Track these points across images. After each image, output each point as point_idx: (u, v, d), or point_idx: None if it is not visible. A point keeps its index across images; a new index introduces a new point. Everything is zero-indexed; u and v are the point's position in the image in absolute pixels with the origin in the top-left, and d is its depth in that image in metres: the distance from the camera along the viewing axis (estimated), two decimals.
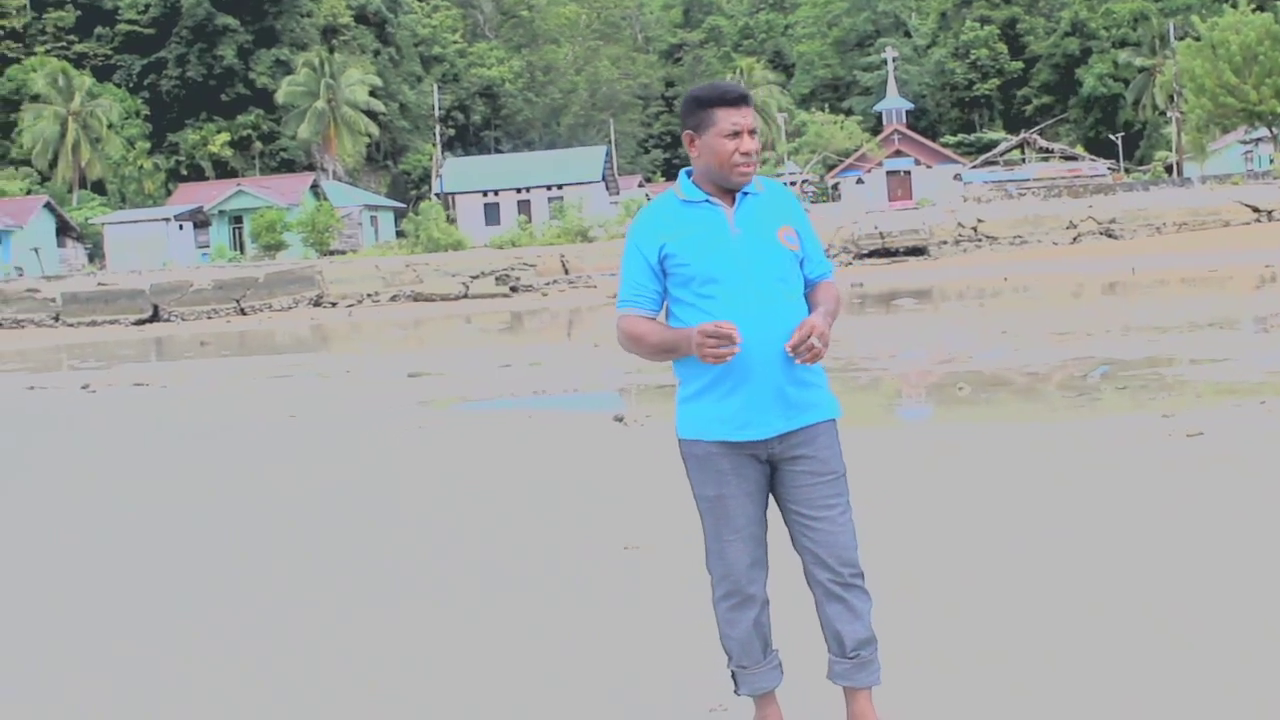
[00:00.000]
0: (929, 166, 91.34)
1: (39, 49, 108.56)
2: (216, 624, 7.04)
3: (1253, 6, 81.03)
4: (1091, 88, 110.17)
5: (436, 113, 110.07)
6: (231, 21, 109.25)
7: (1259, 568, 6.89)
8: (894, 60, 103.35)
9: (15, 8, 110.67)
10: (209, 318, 59.54)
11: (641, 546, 8.24)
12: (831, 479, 4.73)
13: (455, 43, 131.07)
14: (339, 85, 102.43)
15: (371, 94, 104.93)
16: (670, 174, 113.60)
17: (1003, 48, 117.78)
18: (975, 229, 65.56)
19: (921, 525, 8.49)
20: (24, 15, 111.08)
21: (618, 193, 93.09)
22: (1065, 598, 6.55)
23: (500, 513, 9.91)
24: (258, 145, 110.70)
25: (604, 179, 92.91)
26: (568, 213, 78.90)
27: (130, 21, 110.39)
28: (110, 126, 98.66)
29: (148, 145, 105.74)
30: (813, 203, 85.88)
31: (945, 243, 64.52)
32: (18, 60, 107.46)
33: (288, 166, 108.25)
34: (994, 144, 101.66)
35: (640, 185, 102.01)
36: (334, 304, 60.78)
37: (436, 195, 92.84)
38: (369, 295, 61.53)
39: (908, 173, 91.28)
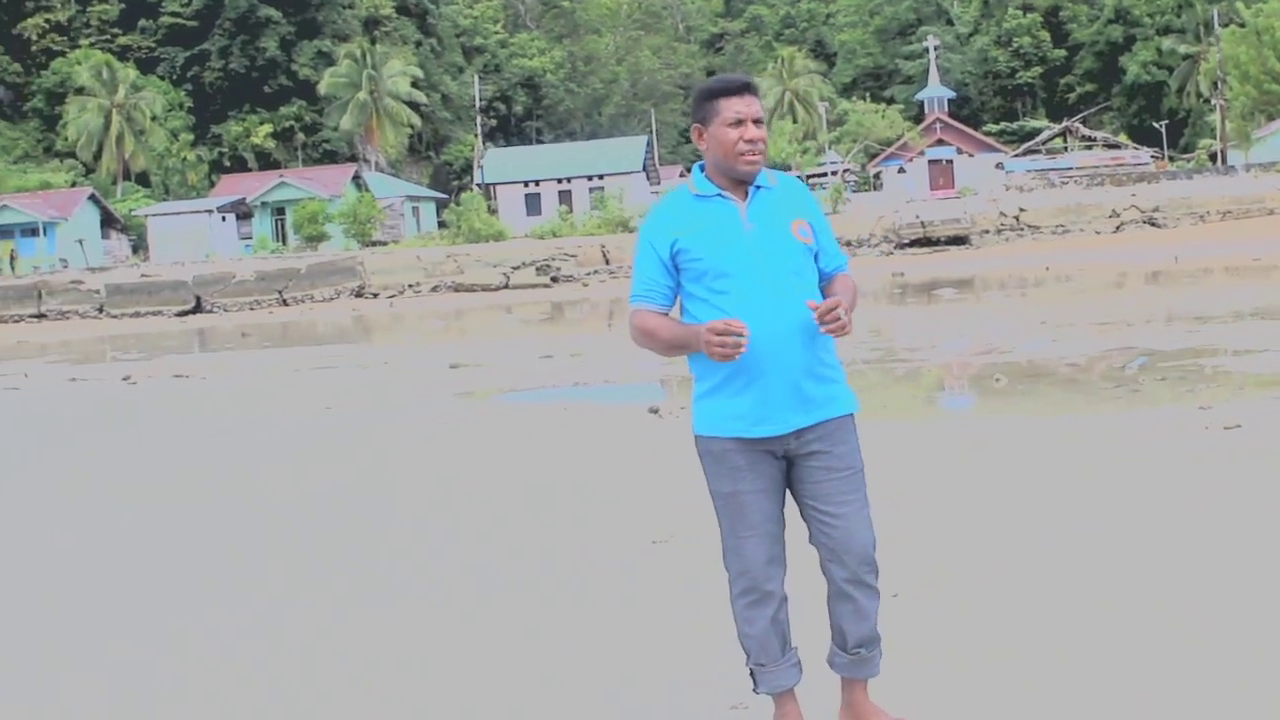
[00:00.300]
0: (971, 155, 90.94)
1: (83, 42, 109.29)
2: (212, 625, 7.03)
3: None
4: (1135, 75, 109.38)
5: (478, 103, 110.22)
6: (274, 13, 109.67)
7: (1277, 563, 6.85)
8: (935, 48, 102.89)
9: (60, 1, 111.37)
10: (251, 309, 59.72)
11: (670, 540, 8.24)
12: (849, 474, 4.73)
13: (496, 33, 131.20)
14: (381, 76, 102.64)
15: (413, 85, 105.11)
16: None
17: (1045, 35, 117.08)
18: (1017, 218, 65.15)
19: (946, 520, 8.46)
20: (68, 8, 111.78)
21: (659, 183, 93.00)
22: (1079, 594, 6.52)
23: (527, 507, 9.91)
24: (300, 137, 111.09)
25: (645, 169, 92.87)
26: (608, 203, 78.88)
27: (173, 14, 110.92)
28: (154, 119, 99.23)
29: (191, 137, 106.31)
30: (854, 192, 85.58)
31: (987, 232, 64.13)
32: (63, 53, 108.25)
33: (330, 158, 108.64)
34: (1036, 132, 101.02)
35: (681, 175, 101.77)
36: (375, 295, 60.90)
37: (478, 186, 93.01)
38: (410, 286, 61.61)
39: (949, 161, 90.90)
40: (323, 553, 8.75)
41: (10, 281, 68.50)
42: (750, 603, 4.73)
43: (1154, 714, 4.94)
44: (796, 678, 4.84)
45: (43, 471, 13.80)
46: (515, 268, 61.87)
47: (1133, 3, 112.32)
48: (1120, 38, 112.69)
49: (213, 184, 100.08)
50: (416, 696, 5.74)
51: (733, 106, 4.68)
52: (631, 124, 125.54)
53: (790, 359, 4.58)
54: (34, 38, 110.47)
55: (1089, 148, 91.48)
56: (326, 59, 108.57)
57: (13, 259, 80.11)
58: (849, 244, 64.11)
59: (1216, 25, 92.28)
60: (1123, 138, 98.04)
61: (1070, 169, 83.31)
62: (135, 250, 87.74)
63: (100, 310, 61.58)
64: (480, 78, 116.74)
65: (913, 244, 63.46)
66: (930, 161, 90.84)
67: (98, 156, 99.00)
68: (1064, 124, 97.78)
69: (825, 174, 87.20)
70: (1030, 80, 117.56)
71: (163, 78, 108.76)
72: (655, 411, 15.12)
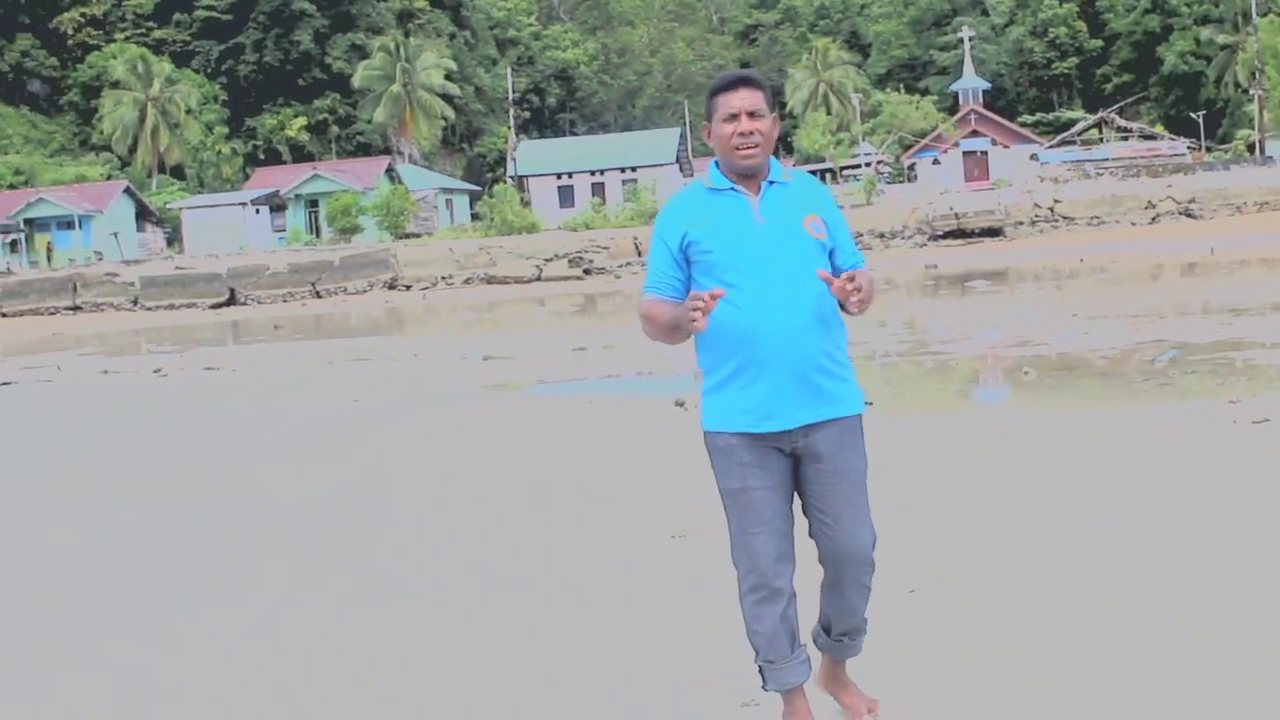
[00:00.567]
0: (1006, 146, 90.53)
1: (119, 35, 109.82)
2: (213, 624, 7.02)
3: None
4: (1172, 65, 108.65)
5: (510, 96, 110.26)
6: (308, 6, 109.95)
7: None
8: (970, 39, 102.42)
9: None
10: (284, 301, 59.87)
11: (687, 535, 8.20)
12: (853, 478, 4.79)
13: (530, 25, 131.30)
14: (414, 69, 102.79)
15: (447, 77, 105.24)
16: None
17: (1082, 26, 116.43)
18: (1052, 209, 64.79)
19: (959, 515, 8.41)
20: (104, 2, 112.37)
21: (692, 174, 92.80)
22: (1087, 591, 6.49)
23: (538, 502, 9.89)
24: (334, 129, 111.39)
25: (678, 161, 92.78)
26: (641, 195, 78.81)
27: (208, 7, 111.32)
28: (189, 112, 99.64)
29: (225, 130, 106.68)
30: (888, 183, 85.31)
31: (1021, 223, 63.80)
32: (98, 47, 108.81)
33: (364, 150, 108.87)
34: (1072, 123, 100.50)
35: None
36: (408, 287, 60.99)
37: (511, 178, 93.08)
38: (443, 278, 61.68)
39: (984, 153, 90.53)
40: (329, 551, 8.73)
41: (46, 274, 68.88)
42: (759, 599, 4.72)
43: (1161, 712, 4.91)
44: (806, 675, 4.83)
45: (50, 469, 13.80)
46: (548, 260, 61.86)
47: None
48: (1157, 28, 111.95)
49: (247, 177, 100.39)
50: (417, 696, 5.72)
51: (728, 102, 4.70)
52: (665, 116, 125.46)
53: (799, 353, 4.59)
54: (70, 31, 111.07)
55: (1125, 138, 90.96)
56: (360, 52, 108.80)
57: (49, 252, 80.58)
58: (882, 236, 63.95)
59: (1254, 14, 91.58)
60: (1159, 128, 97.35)
61: (1106, 160, 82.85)
62: (170, 243, 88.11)
63: (135, 303, 61.86)
64: (514, 70, 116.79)
65: (946, 236, 63.20)
66: (965, 153, 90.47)
67: (133, 150, 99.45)
68: (1099, 115, 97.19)
69: (859, 165, 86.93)
70: (1066, 71, 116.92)
71: (197, 71, 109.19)
72: (681, 405, 15.07)
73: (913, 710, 5.05)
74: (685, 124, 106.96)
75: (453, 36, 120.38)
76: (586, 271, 60.31)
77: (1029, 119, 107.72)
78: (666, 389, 17.61)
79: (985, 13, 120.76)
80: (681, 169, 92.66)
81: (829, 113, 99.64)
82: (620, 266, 60.36)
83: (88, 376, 26.64)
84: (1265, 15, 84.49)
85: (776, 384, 4.59)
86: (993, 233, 63.11)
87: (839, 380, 4.73)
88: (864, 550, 4.81)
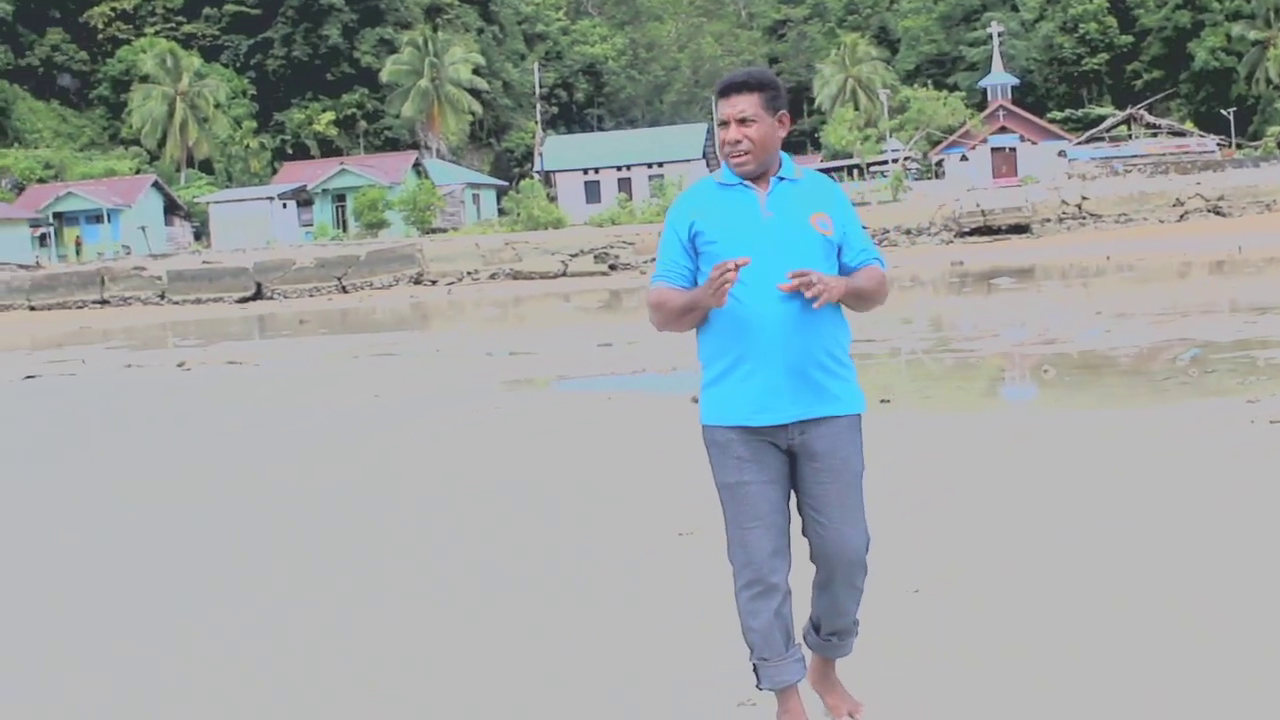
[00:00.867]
0: (1034, 143, 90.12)
1: (148, 30, 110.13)
2: (216, 624, 7.00)
3: None
4: (1203, 61, 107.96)
5: (538, 90, 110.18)
6: (336, 1, 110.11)
7: None
8: (1000, 35, 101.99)
9: None
10: (311, 295, 60.09)
11: (695, 532, 8.18)
12: (848, 478, 4.77)
13: (558, 20, 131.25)
14: (443, 64, 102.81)
15: (475, 72, 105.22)
16: None
17: (1112, 21, 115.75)
18: (1079, 206, 64.56)
19: (974, 514, 8.38)
20: None
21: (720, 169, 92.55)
22: (1091, 591, 6.47)
23: (551, 500, 9.89)
24: (362, 124, 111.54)
25: (705, 156, 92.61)
26: (668, 190, 78.73)
27: (237, 2, 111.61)
28: (217, 106, 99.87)
29: (254, 124, 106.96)
30: (915, 180, 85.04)
31: (1048, 220, 63.60)
32: (128, 41, 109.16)
33: (392, 145, 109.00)
34: (1102, 119, 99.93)
35: None
36: (434, 282, 61.14)
37: (538, 173, 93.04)
38: (469, 273, 61.80)
39: (1012, 149, 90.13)
40: (334, 550, 8.72)
41: (74, 268, 69.20)
42: (754, 595, 4.71)
43: (1164, 711, 4.89)
44: (800, 673, 4.82)
45: (62, 464, 13.83)
46: (573, 255, 61.92)
47: None
48: (1188, 23, 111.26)
49: (275, 171, 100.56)
50: (421, 695, 5.71)
51: (722, 108, 4.76)
52: (693, 111, 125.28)
53: (797, 347, 4.60)
54: (100, 26, 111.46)
55: (1154, 135, 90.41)
56: (389, 46, 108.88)
57: (78, 246, 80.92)
58: (908, 232, 63.80)
59: None
60: (1189, 125, 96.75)
61: (1134, 157, 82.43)
62: (198, 237, 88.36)
63: (162, 297, 62.14)
64: (541, 65, 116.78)
65: (973, 232, 63.05)
66: (993, 149, 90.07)
67: (162, 144, 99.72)
68: (1128, 111, 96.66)
69: (886, 162, 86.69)
70: (1096, 67, 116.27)
71: (226, 65, 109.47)
72: (696, 400, 15.02)
73: (917, 710, 5.04)
74: (712, 119, 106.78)
75: (481, 31, 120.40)
76: (612, 267, 60.36)
77: (1058, 115, 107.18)
78: (685, 385, 17.59)
79: (1015, 8, 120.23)
80: (708, 164, 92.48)
81: (857, 108, 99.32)
82: (646, 262, 60.30)
83: (111, 370, 26.77)
84: None
85: (773, 378, 4.61)
86: (1020, 230, 62.93)
87: (838, 379, 4.72)
88: (855, 551, 4.80)
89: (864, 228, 4.94)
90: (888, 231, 63.53)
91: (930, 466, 10.08)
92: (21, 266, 70.15)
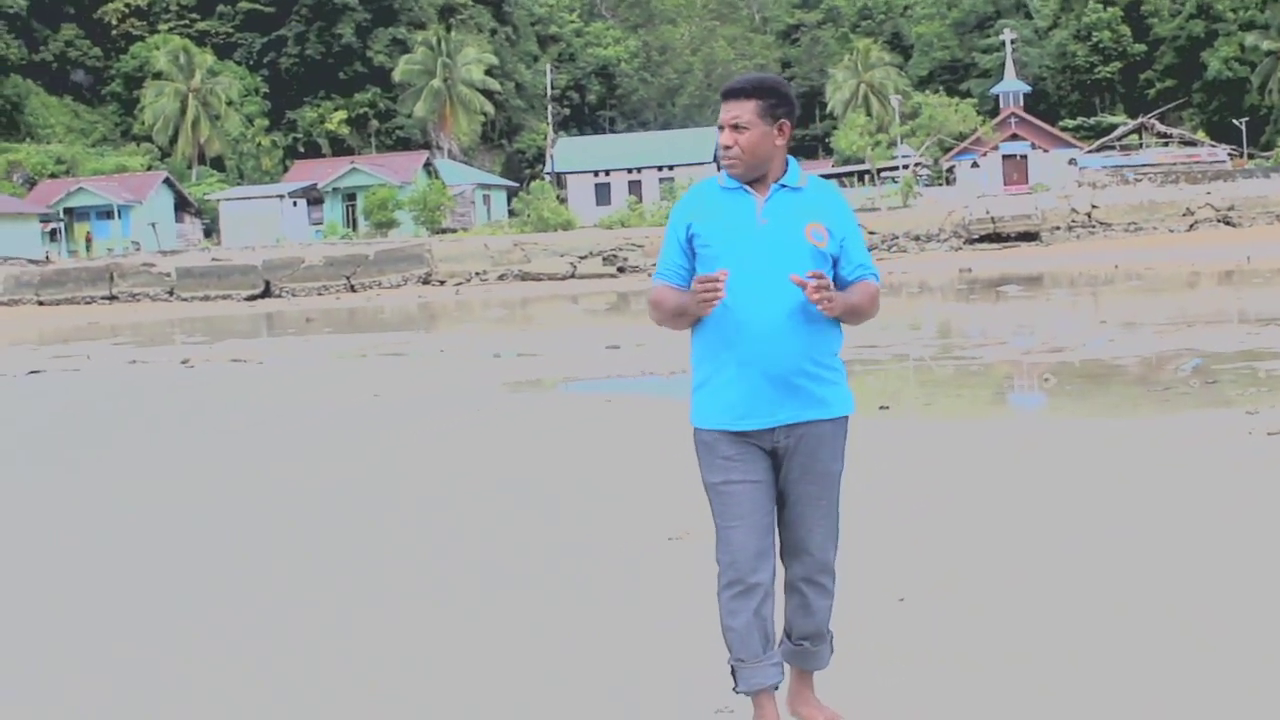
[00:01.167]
0: (1046, 151, 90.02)
1: (162, 26, 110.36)
2: (217, 624, 7.00)
3: None
4: (1216, 71, 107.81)
5: (550, 92, 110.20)
6: (350, 0, 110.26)
7: None
8: (1013, 42, 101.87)
9: None
10: (319, 294, 60.16)
11: (685, 537, 8.17)
12: (823, 478, 4.80)
13: (572, 22, 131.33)
14: (455, 64, 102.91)
15: (488, 73, 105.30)
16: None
17: (1126, 30, 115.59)
18: (1089, 215, 64.49)
19: (972, 522, 8.38)
20: None
21: None
22: (1093, 598, 6.48)
23: (550, 501, 9.88)
24: (374, 123, 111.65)
25: (716, 160, 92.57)
26: (678, 193, 78.70)
27: (251, 0, 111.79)
28: (229, 103, 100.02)
29: (266, 122, 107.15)
30: (926, 186, 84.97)
31: (1058, 228, 63.53)
32: (141, 38, 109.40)
33: (404, 144, 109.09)
34: (1114, 128, 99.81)
35: None
36: (442, 282, 61.19)
37: (549, 175, 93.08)
38: (477, 274, 61.84)
39: (1024, 157, 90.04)
40: (334, 550, 8.72)
41: (83, 264, 69.38)
42: (735, 594, 4.72)
43: (1163, 717, 4.92)
44: (776, 678, 4.81)
45: (61, 461, 13.82)
46: (582, 257, 61.97)
47: None
48: (1202, 33, 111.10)
49: (286, 169, 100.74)
50: (420, 695, 5.72)
51: (720, 113, 4.82)
52: (705, 114, 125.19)
53: (778, 356, 4.62)
54: (114, 22, 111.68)
55: (1165, 144, 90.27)
56: (402, 46, 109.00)
57: (88, 241, 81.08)
58: (917, 239, 63.76)
59: None
60: (1201, 134, 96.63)
61: (1145, 165, 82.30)
62: (208, 234, 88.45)
63: (171, 293, 62.25)
64: (554, 66, 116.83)
65: (982, 239, 63.01)
66: (1004, 156, 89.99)
67: (174, 141, 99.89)
68: (1139, 120, 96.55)
69: (896, 167, 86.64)
70: (1109, 75, 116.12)
71: (239, 63, 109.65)
72: None
73: (914, 716, 5.05)
74: None
75: (494, 32, 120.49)
76: (620, 269, 60.38)
77: (1070, 123, 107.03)
78: (688, 388, 17.52)
79: (1029, 15, 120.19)
80: (719, 168, 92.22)
81: (869, 114, 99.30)
82: (654, 265, 60.13)
83: (116, 366, 26.80)
84: None
85: (754, 385, 4.64)
86: (1029, 237, 62.87)
87: (825, 383, 4.74)
88: (821, 550, 4.85)
89: (865, 241, 4.98)
90: (897, 237, 63.51)
91: (929, 473, 10.08)
92: (31, 261, 70.31)
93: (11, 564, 8.82)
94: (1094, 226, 63.74)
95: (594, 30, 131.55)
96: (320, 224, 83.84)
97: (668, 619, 6.51)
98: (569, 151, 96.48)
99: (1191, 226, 62.72)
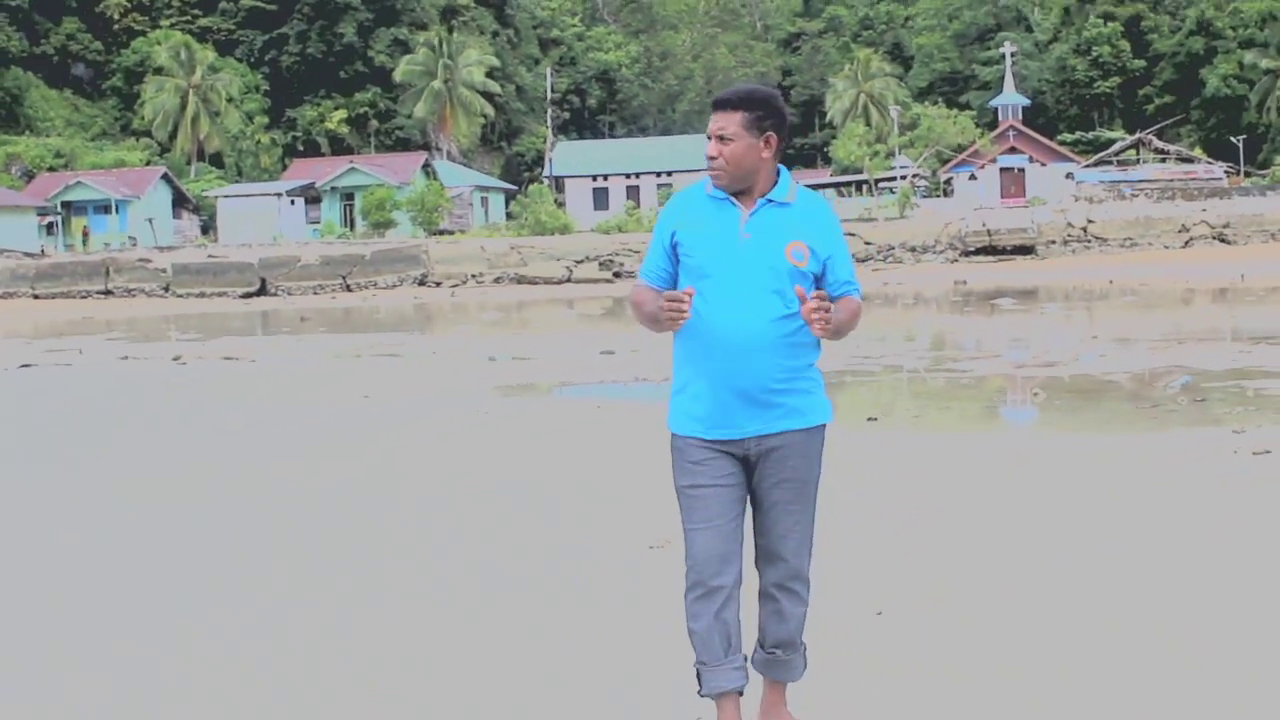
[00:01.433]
0: (1043, 164, 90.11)
1: (164, 22, 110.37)
2: (216, 624, 7.02)
3: None
4: (1215, 88, 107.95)
5: (549, 95, 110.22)
6: (353, 0, 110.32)
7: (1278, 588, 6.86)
8: (1012, 55, 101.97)
9: None
10: (315, 293, 60.17)
11: (665, 545, 8.19)
12: (796, 485, 4.79)
13: (574, 26, 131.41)
14: (456, 66, 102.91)
15: (488, 75, 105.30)
16: (784, 163, 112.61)
17: (1125, 45, 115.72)
18: (1085, 229, 64.59)
19: (960, 535, 8.42)
20: None
21: None
22: (1084, 614, 6.53)
23: (534, 506, 9.91)
24: (374, 123, 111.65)
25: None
26: None
27: None
28: (230, 100, 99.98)
29: (266, 120, 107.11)
30: (924, 197, 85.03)
31: (1053, 242, 63.63)
32: (143, 33, 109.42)
33: (403, 145, 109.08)
34: (1112, 143, 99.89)
35: None
36: (438, 284, 61.21)
37: (547, 178, 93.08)
38: (473, 276, 61.87)
39: (1021, 170, 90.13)
40: (333, 550, 8.75)
41: (79, 257, 69.36)
42: (697, 597, 4.74)
43: None
44: (738, 682, 4.80)
45: (54, 458, 13.80)
46: (578, 262, 62.01)
47: (1215, 15, 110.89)
48: (1201, 50, 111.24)
49: (285, 167, 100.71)
50: (420, 696, 5.75)
51: (710, 124, 4.77)
52: (705, 121, 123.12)
53: (752, 370, 4.62)
54: (116, 16, 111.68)
55: (1162, 160, 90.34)
56: (403, 46, 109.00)
57: (85, 236, 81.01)
58: (913, 250, 63.82)
59: None
60: (1199, 151, 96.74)
61: (1142, 181, 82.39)
62: (205, 231, 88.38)
63: (166, 289, 62.26)
64: (555, 70, 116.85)
65: (978, 252, 63.09)
66: (1002, 169, 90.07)
67: (173, 136, 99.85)
68: (1137, 135, 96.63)
69: (894, 178, 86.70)
70: (1108, 90, 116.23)
71: (240, 60, 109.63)
72: None
73: None
74: None
75: (496, 34, 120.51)
76: (616, 274, 60.41)
77: (1068, 137, 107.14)
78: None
79: (1029, 29, 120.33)
80: None
81: (868, 124, 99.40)
82: None
83: (107, 362, 26.79)
84: None
85: (723, 399, 4.66)
86: (1024, 251, 62.97)
87: (800, 393, 4.73)
88: (795, 556, 4.84)
89: (852, 256, 4.95)
90: (893, 248, 63.60)
91: (916, 486, 10.12)
92: (27, 254, 70.27)
93: (12, 562, 8.83)
94: (1089, 241, 63.85)
95: (595, 35, 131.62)
96: (318, 223, 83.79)
97: (667, 620, 6.53)
98: (568, 155, 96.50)
99: (1187, 243, 62.84)
